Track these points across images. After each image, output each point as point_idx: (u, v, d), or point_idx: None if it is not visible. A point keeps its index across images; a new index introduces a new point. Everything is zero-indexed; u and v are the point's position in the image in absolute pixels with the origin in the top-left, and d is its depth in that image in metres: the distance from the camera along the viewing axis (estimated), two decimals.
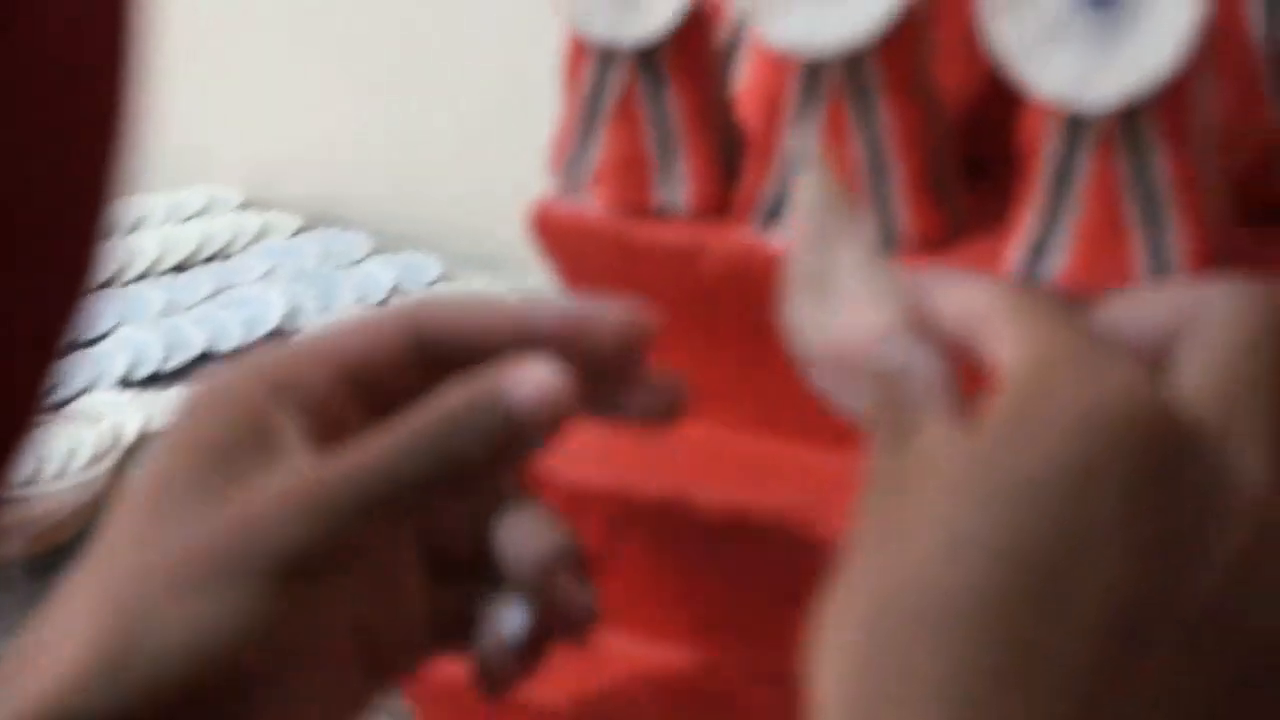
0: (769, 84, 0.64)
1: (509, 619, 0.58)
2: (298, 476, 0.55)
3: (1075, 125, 0.58)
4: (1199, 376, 0.48)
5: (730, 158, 0.67)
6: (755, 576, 0.64)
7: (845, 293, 0.53)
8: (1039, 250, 0.59)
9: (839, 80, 0.63)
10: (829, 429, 0.65)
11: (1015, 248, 0.60)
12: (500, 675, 0.58)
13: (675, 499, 0.64)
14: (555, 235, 0.69)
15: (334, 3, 1.45)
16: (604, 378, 0.60)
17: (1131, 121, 0.57)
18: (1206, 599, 0.46)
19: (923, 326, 0.51)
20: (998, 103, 0.65)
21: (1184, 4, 0.56)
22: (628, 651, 0.66)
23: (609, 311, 0.59)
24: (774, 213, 0.64)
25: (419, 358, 0.59)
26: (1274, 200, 0.62)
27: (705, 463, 0.66)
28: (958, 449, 0.48)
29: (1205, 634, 0.46)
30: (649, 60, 0.66)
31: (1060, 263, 0.59)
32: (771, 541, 0.64)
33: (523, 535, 0.58)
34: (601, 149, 0.67)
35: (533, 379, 0.56)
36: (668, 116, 0.66)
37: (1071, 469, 0.46)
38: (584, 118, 0.68)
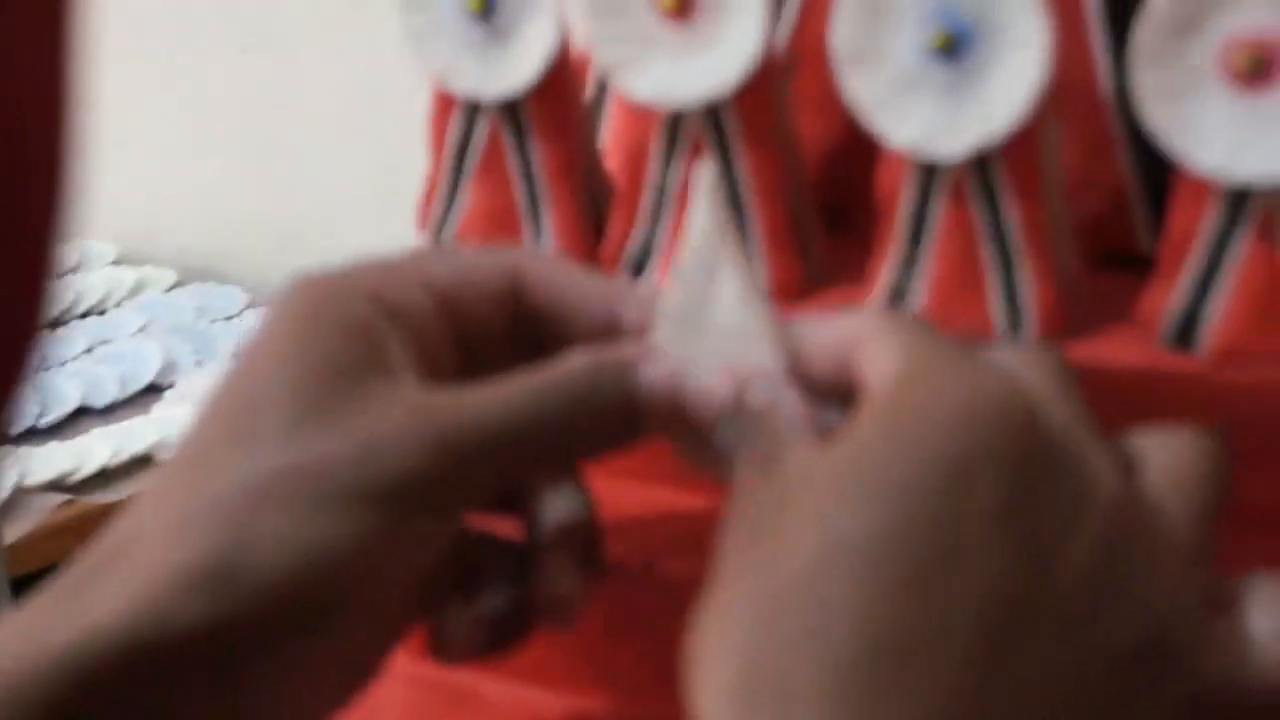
0: (632, 137, 0.66)
1: (490, 595, 0.57)
2: (421, 407, 0.54)
3: (929, 174, 0.60)
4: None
5: (598, 210, 0.68)
6: (632, 623, 0.65)
7: (720, 328, 0.54)
8: (897, 296, 0.61)
9: (699, 132, 0.64)
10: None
11: (874, 295, 0.61)
12: (458, 645, 0.57)
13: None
14: None
15: (206, 59, 1.46)
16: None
17: (983, 171, 0.59)
18: (1076, 585, 0.47)
19: (794, 367, 0.52)
20: (856, 154, 0.67)
21: (1031, 59, 0.57)
22: (506, 696, 0.67)
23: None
24: (640, 262, 0.65)
25: (512, 306, 0.58)
26: (1123, 247, 0.64)
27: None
28: (831, 459, 0.49)
29: (1078, 618, 0.47)
30: (514, 114, 0.67)
31: (918, 308, 0.60)
32: (646, 587, 0.65)
33: (549, 507, 0.57)
34: (469, 202, 0.68)
35: (665, 364, 0.55)
36: (534, 169, 0.68)
37: (947, 469, 0.48)
38: (451, 171, 0.69)
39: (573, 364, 0.55)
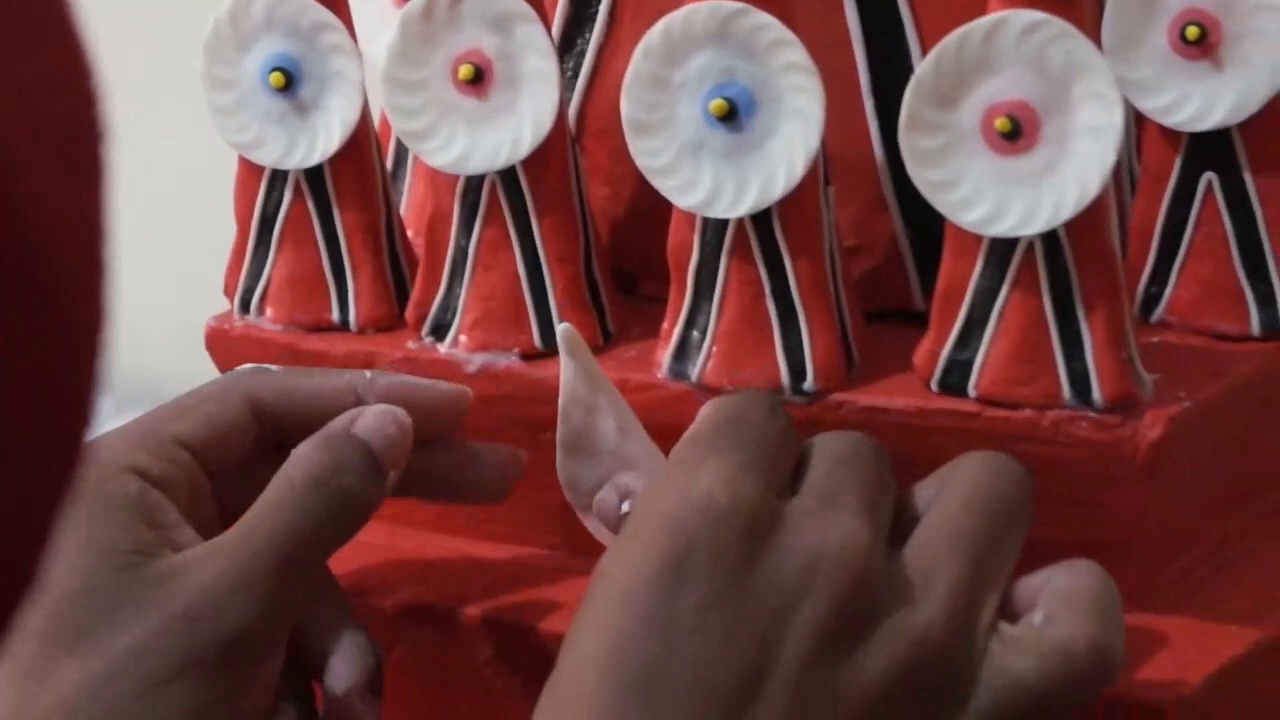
0: (431, 202, 0.69)
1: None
2: (209, 560, 0.58)
3: (714, 234, 0.63)
4: (809, 476, 0.56)
5: (400, 274, 0.71)
6: (437, 668, 0.68)
7: (607, 454, 0.62)
8: (685, 351, 0.64)
9: (496, 198, 0.67)
10: (499, 529, 0.69)
11: (663, 350, 0.65)
12: None
13: (357, 593, 0.68)
14: (231, 353, 0.72)
15: None
16: (429, 452, 0.64)
17: (764, 230, 0.63)
18: (817, 641, 0.52)
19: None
20: (640, 220, 0.70)
21: (805, 127, 0.61)
22: None
23: (434, 384, 0.65)
24: (442, 325, 0.68)
25: (255, 428, 0.63)
26: (894, 301, 0.68)
27: (387, 559, 0.70)
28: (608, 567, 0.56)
29: (827, 665, 0.52)
30: (317, 182, 0.70)
31: (705, 361, 0.64)
32: (446, 631, 0.67)
33: (341, 655, 0.62)
34: (274, 269, 0.71)
35: (372, 411, 0.62)
36: (337, 236, 0.70)
37: (660, 567, 0.54)
38: (257, 240, 0.71)
39: (303, 450, 0.61)
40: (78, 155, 0.30)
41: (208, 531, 0.61)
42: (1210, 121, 0.64)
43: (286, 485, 0.60)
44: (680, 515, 0.54)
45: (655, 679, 0.52)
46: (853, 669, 0.52)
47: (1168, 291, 0.66)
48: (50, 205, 0.29)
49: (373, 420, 0.62)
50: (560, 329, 0.63)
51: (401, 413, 0.62)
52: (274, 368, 0.66)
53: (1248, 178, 0.64)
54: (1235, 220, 0.65)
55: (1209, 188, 0.65)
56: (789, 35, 0.61)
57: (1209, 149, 0.65)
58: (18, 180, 0.28)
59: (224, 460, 0.63)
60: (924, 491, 0.57)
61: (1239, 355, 0.64)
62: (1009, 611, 0.56)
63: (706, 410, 0.59)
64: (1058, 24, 0.58)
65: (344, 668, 0.61)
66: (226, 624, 0.58)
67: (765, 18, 0.61)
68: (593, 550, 0.66)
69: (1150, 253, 0.66)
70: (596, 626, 0.54)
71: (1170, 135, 0.65)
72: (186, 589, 0.58)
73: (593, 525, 0.65)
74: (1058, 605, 0.54)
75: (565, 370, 0.63)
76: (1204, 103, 0.64)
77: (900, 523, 0.56)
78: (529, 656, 0.66)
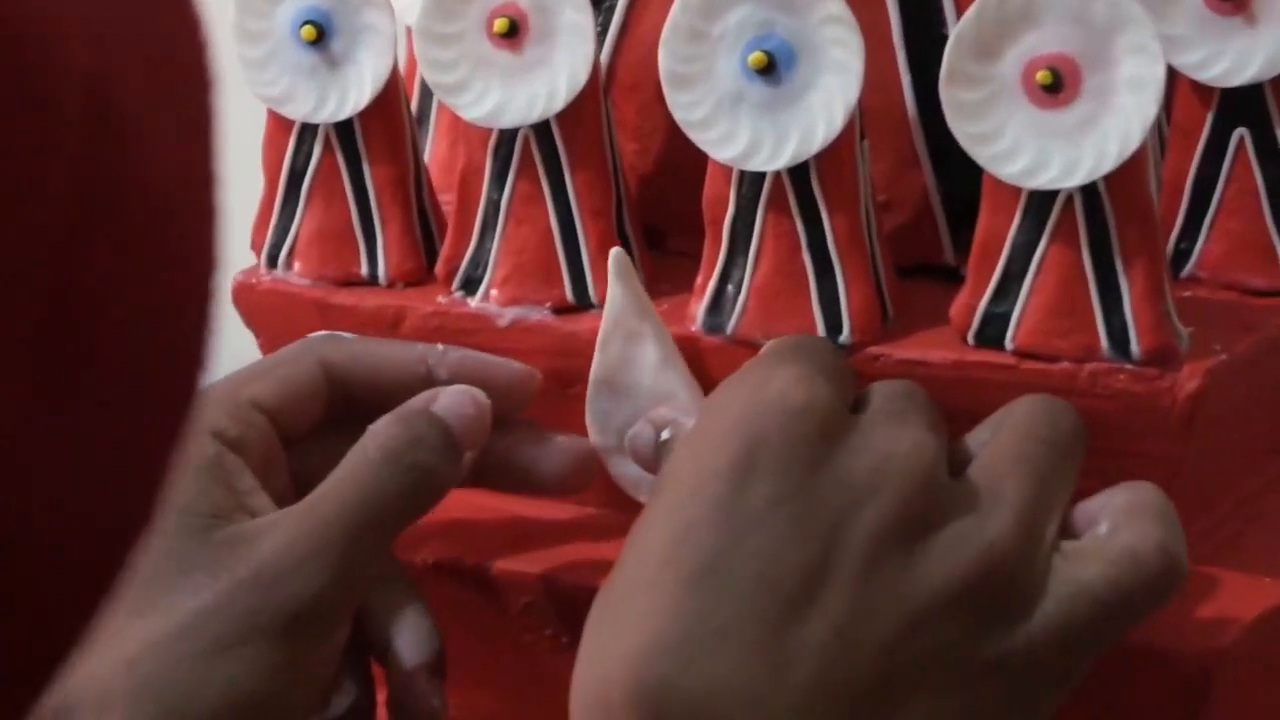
0: (463, 156, 0.69)
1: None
2: (281, 527, 0.58)
3: (751, 187, 0.63)
4: (870, 406, 0.56)
5: (429, 229, 0.71)
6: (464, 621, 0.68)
7: (644, 390, 0.63)
8: (719, 305, 0.65)
9: (529, 152, 0.67)
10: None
11: (698, 304, 0.65)
12: None
13: None
14: (258, 308, 0.72)
15: None
16: (505, 437, 0.64)
17: (801, 183, 0.63)
18: (879, 540, 0.53)
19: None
20: (670, 177, 0.70)
21: (845, 80, 0.61)
22: None
23: (505, 363, 0.65)
24: (473, 280, 0.68)
25: (327, 394, 0.63)
26: (925, 256, 0.68)
27: None
28: (677, 462, 0.56)
29: (889, 566, 0.52)
30: (347, 136, 0.70)
31: (740, 315, 0.64)
32: (474, 587, 0.67)
33: (407, 635, 0.62)
34: (303, 224, 0.71)
35: (451, 390, 0.62)
36: (367, 190, 0.70)
37: (729, 463, 0.54)
38: (285, 194, 0.71)
39: (381, 424, 0.61)
40: (187, 102, 0.30)
41: (280, 498, 0.61)
42: (1243, 77, 0.64)
43: (362, 458, 0.60)
44: (753, 411, 0.55)
45: (720, 570, 0.52)
46: (919, 570, 0.53)
47: (1198, 247, 0.66)
48: (162, 151, 0.29)
49: (451, 399, 0.61)
50: (613, 253, 0.64)
51: (480, 393, 0.62)
52: (348, 335, 0.66)
53: None
54: (1267, 175, 0.65)
55: (1240, 143, 0.65)
56: None
57: (1241, 104, 0.65)
58: (129, 124, 0.28)
59: (297, 425, 0.63)
60: (979, 434, 0.58)
61: (1271, 309, 0.65)
62: (1069, 533, 0.56)
63: (771, 342, 0.60)
64: None
65: (410, 647, 0.61)
66: (294, 592, 0.57)
67: None
68: (623, 504, 0.66)
69: (1180, 208, 0.66)
70: (662, 519, 0.54)
71: (1201, 91, 0.66)
72: (257, 555, 0.58)
73: (617, 469, 0.65)
74: (1122, 515, 0.55)
75: (612, 295, 0.63)
76: (1237, 58, 0.64)
77: (954, 462, 0.56)
78: (560, 610, 0.66)
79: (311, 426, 0.63)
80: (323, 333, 0.66)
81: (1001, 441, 0.56)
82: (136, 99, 0.28)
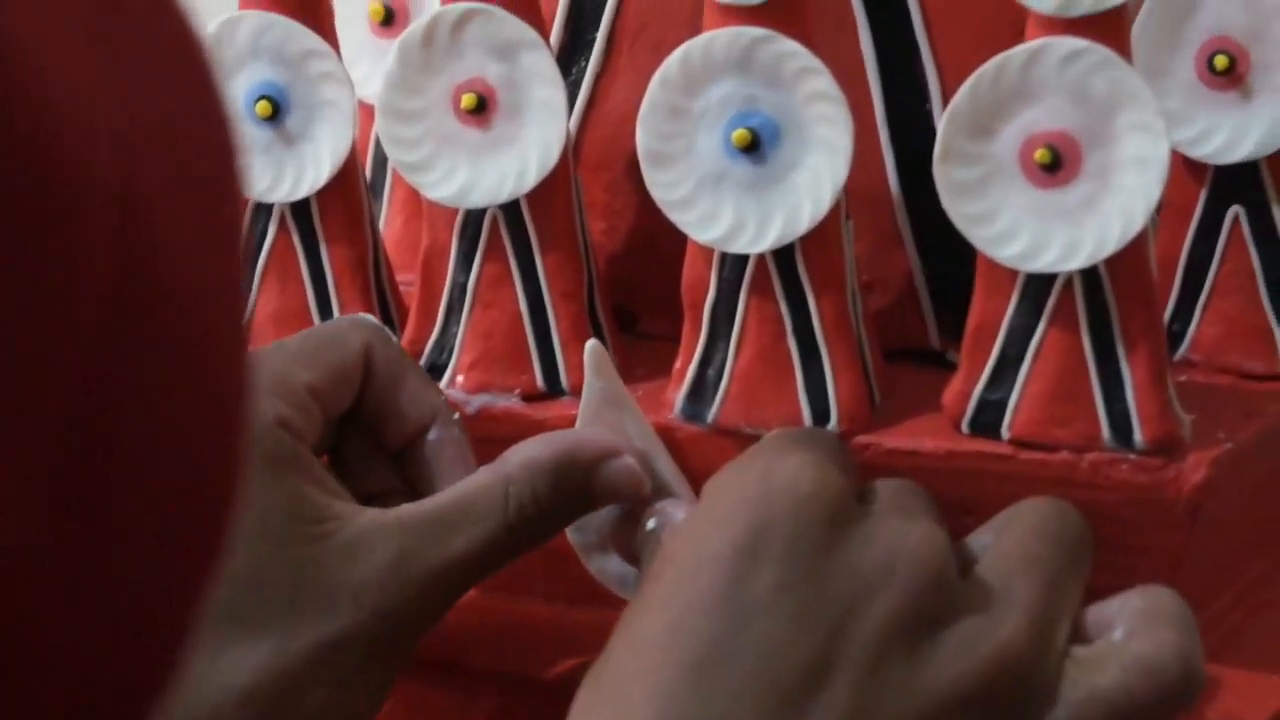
0: (427, 237, 0.66)
1: None
2: (390, 536, 0.56)
3: (734, 269, 0.61)
4: (876, 500, 0.53)
5: (387, 310, 0.68)
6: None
7: None
8: (700, 392, 0.62)
9: (498, 232, 0.64)
10: (495, 578, 0.66)
11: (676, 391, 0.62)
12: None
13: None
14: None
15: None
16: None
17: (786, 265, 0.60)
18: (885, 636, 0.50)
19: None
20: (640, 257, 0.68)
21: (833, 158, 0.59)
22: None
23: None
24: (438, 363, 0.66)
25: (361, 382, 0.61)
26: (910, 339, 0.66)
27: None
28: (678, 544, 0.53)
29: (891, 664, 0.50)
30: (303, 215, 0.67)
31: (721, 402, 0.61)
32: (444, 685, 0.65)
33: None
34: (258, 304, 0.68)
35: (627, 463, 0.59)
36: (324, 270, 0.67)
37: (735, 546, 0.51)
38: None
39: (530, 467, 0.59)
40: (216, 213, 0.28)
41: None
42: (1239, 153, 0.62)
43: (502, 509, 0.58)
44: (760, 495, 0.52)
45: (719, 659, 0.49)
46: (927, 669, 0.50)
47: (1192, 328, 0.64)
48: (191, 264, 0.27)
49: (626, 473, 0.59)
50: (589, 345, 0.61)
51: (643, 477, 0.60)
52: (393, 336, 0.63)
53: (1276, 212, 0.63)
54: (1263, 255, 0.63)
55: (1235, 221, 0.63)
56: (816, 63, 0.59)
57: (1236, 182, 0.63)
58: (159, 236, 0.26)
59: (335, 411, 0.60)
60: (982, 537, 0.55)
61: (1269, 394, 0.63)
62: (1081, 638, 0.53)
63: (773, 431, 0.58)
64: (1101, 51, 0.56)
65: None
66: (416, 626, 0.57)
67: (791, 44, 0.59)
68: (595, 600, 0.63)
69: (1173, 288, 0.64)
70: (659, 602, 0.51)
71: (1194, 167, 0.64)
72: (379, 579, 0.56)
73: (598, 565, 0.62)
74: (1139, 620, 0.52)
75: (589, 389, 0.60)
76: (1232, 134, 0.62)
77: (959, 565, 0.54)
78: (533, 707, 0.63)
79: (342, 412, 0.61)
80: (371, 319, 0.63)
81: (1010, 541, 0.54)
82: (166, 211, 0.26)
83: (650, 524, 0.59)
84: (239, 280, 0.29)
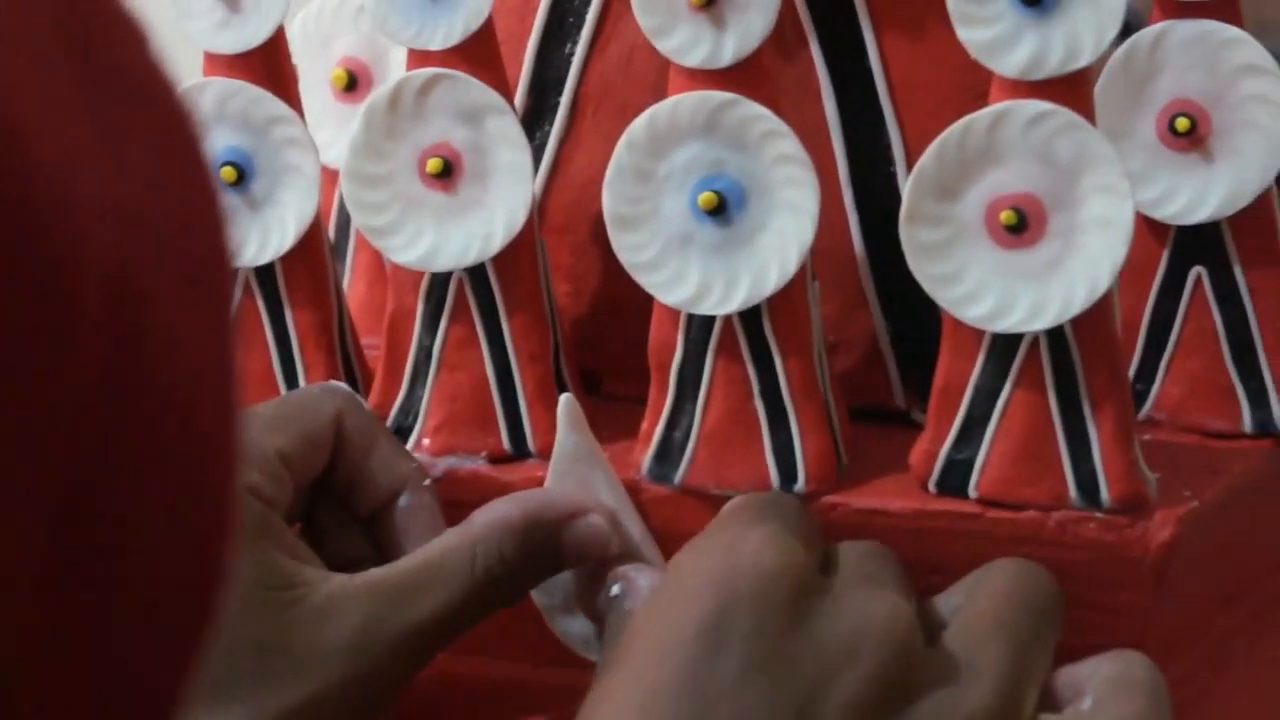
0: (392, 300, 0.66)
1: None
2: (358, 602, 0.56)
3: (700, 331, 0.61)
4: (841, 568, 0.53)
5: (351, 374, 0.68)
6: None
7: None
8: (667, 453, 0.62)
9: (463, 296, 0.65)
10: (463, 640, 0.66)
11: (643, 452, 0.62)
12: None
13: None
14: None
15: None
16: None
17: (753, 327, 0.61)
18: (853, 711, 0.50)
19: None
20: (604, 319, 0.68)
21: (799, 220, 0.59)
22: None
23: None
24: (404, 427, 0.66)
25: (331, 451, 0.61)
26: (875, 399, 0.66)
27: None
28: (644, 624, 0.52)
29: None
30: (268, 279, 0.67)
31: (689, 463, 0.62)
32: None
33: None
34: None
35: (594, 523, 0.59)
36: (288, 334, 0.67)
37: (700, 626, 0.51)
38: None
39: (495, 533, 0.59)
40: (208, 294, 0.28)
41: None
42: (1201, 214, 0.63)
43: (469, 570, 0.58)
44: (724, 573, 0.52)
45: None
46: None
47: (1155, 387, 0.65)
48: (184, 345, 0.27)
49: (594, 533, 0.59)
50: (563, 399, 0.61)
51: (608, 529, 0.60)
52: (364, 403, 0.63)
53: (1238, 271, 0.63)
54: (1225, 315, 0.63)
55: (1198, 281, 0.64)
56: (782, 126, 0.59)
57: (1198, 242, 0.63)
58: (151, 317, 0.26)
59: (305, 479, 0.60)
60: (951, 598, 0.55)
61: (1235, 453, 0.63)
62: (1051, 703, 0.54)
63: (737, 500, 0.58)
64: (1065, 114, 0.57)
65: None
66: (391, 689, 0.57)
67: (756, 108, 0.59)
68: (561, 662, 0.63)
69: (1137, 348, 0.65)
70: (627, 685, 0.51)
71: (1156, 228, 0.64)
72: (343, 642, 0.56)
73: (563, 626, 0.62)
74: (1108, 689, 0.53)
75: (561, 444, 0.60)
76: (1194, 195, 0.63)
77: (927, 627, 0.54)
78: None
79: (313, 479, 0.61)
80: (342, 386, 0.63)
81: (979, 607, 0.54)
82: (159, 291, 0.26)
83: (615, 589, 0.59)
84: (231, 354, 0.29)
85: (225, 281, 0.29)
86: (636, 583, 0.58)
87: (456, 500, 0.65)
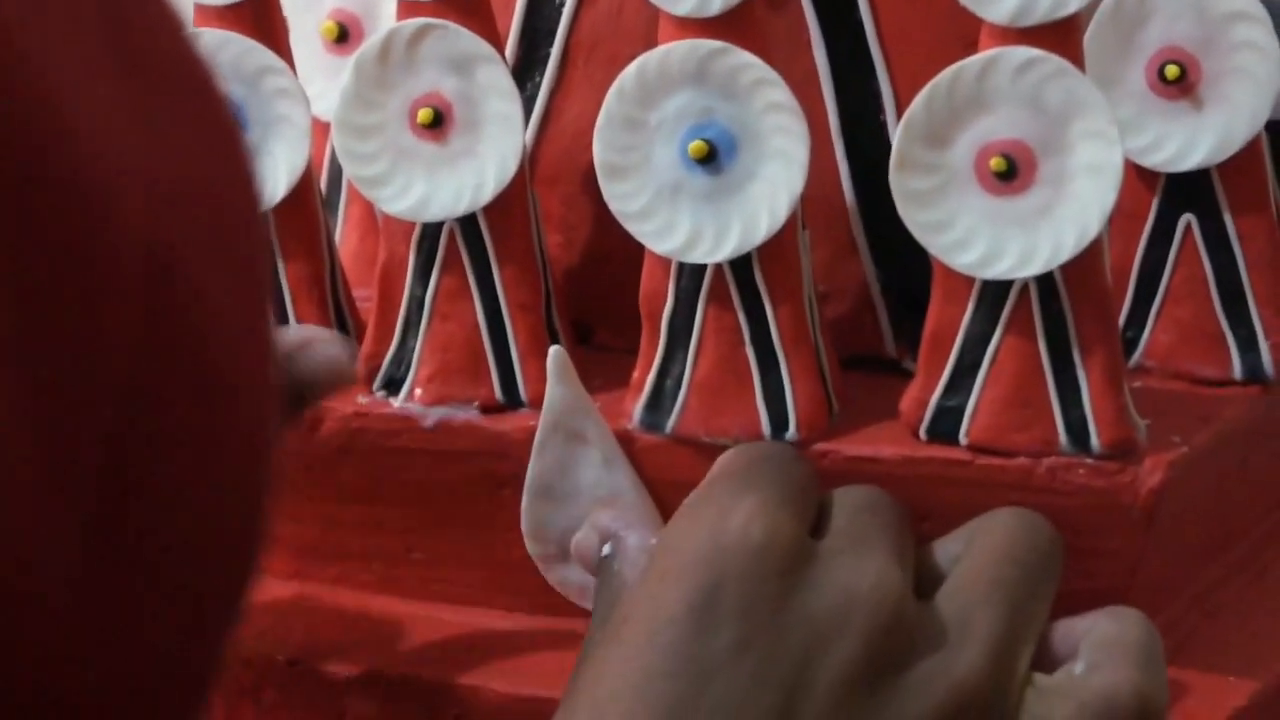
0: (384, 251, 0.66)
1: None
2: None
3: (691, 279, 0.61)
4: (833, 524, 0.53)
5: (344, 326, 0.68)
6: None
7: (587, 492, 0.61)
8: (658, 401, 0.62)
9: (455, 246, 0.65)
10: (452, 590, 0.67)
11: (635, 400, 0.63)
12: None
13: (305, 660, 0.65)
14: None
15: None
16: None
17: (744, 274, 0.61)
18: (848, 678, 0.50)
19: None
20: (596, 270, 0.68)
21: (789, 169, 0.59)
22: None
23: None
24: (396, 378, 0.66)
25: None
26: (866, 347, 0.66)
27: (335, 623, 0.67)
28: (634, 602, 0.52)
29: (857, 705, 0.50)
30: None
31: (680, 411, 0.62)
32: (401, 699, 0.64)
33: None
34: None
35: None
36: (281, 285, 0.67)
37: (690, 604, 0.52)
38: None
39: None
40: (243, 267, 0.29)
41: None
42: (1190, 162, 0.63)
43: None
44: (714, 550, 0.52)
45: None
46: (887, 713, 0.50)
47: (1145, 335, 0.65)
48: (220, 316, 0.27)
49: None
50: (552, 351, 0.61)
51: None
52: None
53: (1228, 219, 0.63)
54: (1215, 263, 0.63)
55: (1188, 229, 0.64)
56: (771, 74, 0.59)
57: (1188, 190, 0.64)
58: (188, 286, 0.27)
59: None
60: (949, 546, 0.55)
61: (1224, 400, 0.63)
62: (1047, 658, 0.54)
63: (729, 455, 0.58)
64: (1055, 61, 0.57)
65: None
66: None
67: (746, 56, 0.59)
68: (556, 609, 0.63)
69: (1127, 295, 0.65)
70: (620, 667, 0.51)
71: (1146, 175, 0.64)
72: None
73: (557, 575, 0.62)
74: (1100, 653, 0.53)
75: (551, 395, 0.61)
76: (1184, 143, 0.63)
77: (923, 578, 0.54)
78: None
79: None
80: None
81: (974, 562, 0.54)
82: (195, 263, 0.27)
83: (605, 549, 0.59)
84: (267, 327, 0.29)
85: (261, 252, 0.29)
86: (626, 542, 0.59)
87: (450, 450, 0.65)
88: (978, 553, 0.54)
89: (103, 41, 0.27)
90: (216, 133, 0.29)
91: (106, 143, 0.26)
